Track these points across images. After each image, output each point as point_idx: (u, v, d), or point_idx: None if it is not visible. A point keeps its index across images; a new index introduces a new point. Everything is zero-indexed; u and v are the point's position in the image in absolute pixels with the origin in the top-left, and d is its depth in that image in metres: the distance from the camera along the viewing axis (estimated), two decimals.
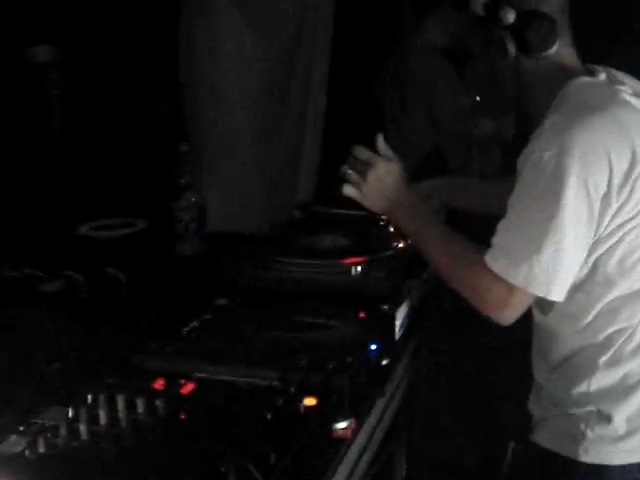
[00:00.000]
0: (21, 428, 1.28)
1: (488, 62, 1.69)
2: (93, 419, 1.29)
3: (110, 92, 3.14)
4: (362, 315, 1.74)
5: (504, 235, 1.53)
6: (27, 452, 1.21)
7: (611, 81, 1.61)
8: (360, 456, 1.52)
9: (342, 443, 1.38)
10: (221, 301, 1.85)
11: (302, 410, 1.33)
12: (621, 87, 1.59)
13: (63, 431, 1.26)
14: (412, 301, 1.96)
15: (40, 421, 1.30)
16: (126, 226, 2.64)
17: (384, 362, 1.65)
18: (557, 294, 1.50)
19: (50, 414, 1.33)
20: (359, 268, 1.89)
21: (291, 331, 1.64)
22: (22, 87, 2.77)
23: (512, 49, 1.62)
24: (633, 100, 1.57)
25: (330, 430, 1.36)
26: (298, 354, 1.51)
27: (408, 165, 1.55)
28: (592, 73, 1.63)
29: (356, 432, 1.44)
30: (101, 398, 1.34)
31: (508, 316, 1.54)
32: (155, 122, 3.23)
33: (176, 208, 2.44)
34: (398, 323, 1.81)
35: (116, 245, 2.54)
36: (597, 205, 1.47)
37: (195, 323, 1.71)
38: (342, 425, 1.37)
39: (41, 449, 1.22)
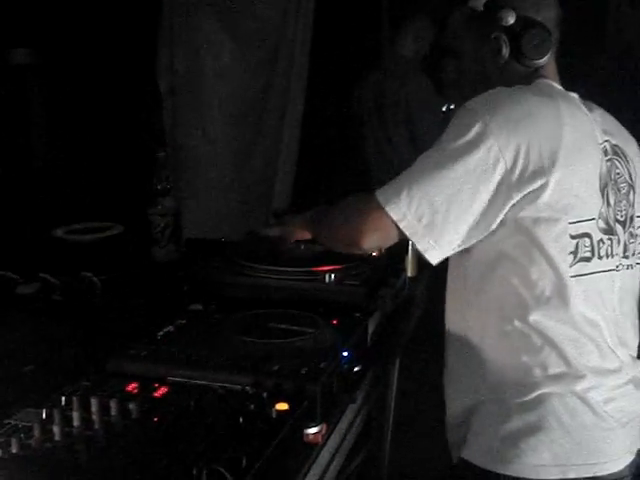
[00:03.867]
0: None
1: (477, 61, 1.70)
2: (66, 421, 1.30)
3: (89, 98, 3.15)
4: (335, 322, 1.76)
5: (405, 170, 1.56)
6: (0, 452, 1.22)
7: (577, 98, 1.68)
8: (330, 461, 1.54)
9: (313, 448, 1.39)
10: (196, 306, 1.86)
11: (274, 415, 1.34)
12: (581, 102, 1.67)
13: (36, 432, 1.26)
14: (385, 309, 1.98)
15: (13, 422, 1.31)
16: (102, 230, 2.64)
17: (356, 369, 1.67)
18: (425, 243, 1.51)
19: (23, 415, 1.33)
20: (333, 276, 1.91)
21: (264, 337, 1.65)
22: (1, 89, 2.77)
23: (506, 51, 1.64)
24: (585, 110, 1.64)
25: (301, 435, 1.38)
26: (271, 360, 1.53)
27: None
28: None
29: (327, 437, 1.46)
30: (75, 400, 1.34)
31: (370, 243, 1.59)
32: (133, 128, 3.23)
33: (152, 213, 2.46)
34: (370, 331, 1.83)
35: (91, 249, 2.54)
36: (496, 181, 1.48)
37: (170, 328, 1.72)
38: (313, 430, 1.39)
39: (14, 449, 1.22)
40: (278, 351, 1.58)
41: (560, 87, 1.68)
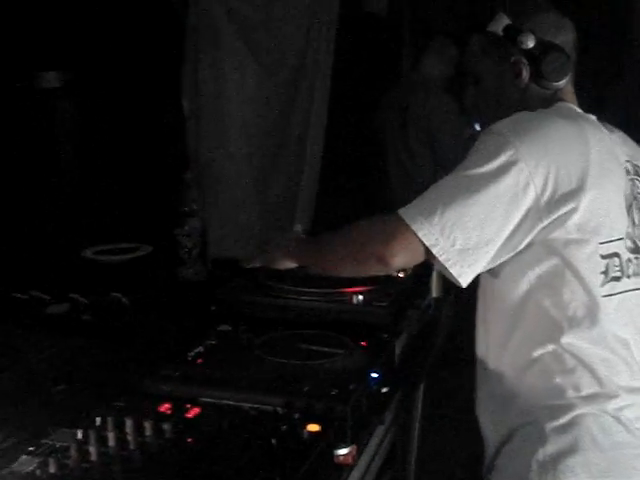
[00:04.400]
0: (31, 448, 1.31)
1: (497, 85, 1.72)
2: (102, 441, 1.32)
3: (117, 120, 3.19)
4: (363, 344, 1.77)
5: (428, 190, 1.55)
6: (38, 472, 1.25)
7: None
8: None
9: (343, 469, 1.40)
10: (224, 327, 1.88)
11: (305, 436, 1.36)
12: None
13: (73, 452, 1.29)
14: (412, 330, 1.99)
15: (50, 442, 1.34)
16: (130, 251, 2.67)
17: (384, 390, 1.69)
18: (458, 268, 1.50)
19: (60, 435, 1.36)
20: (361, 297, 1.92)
21: (295, 358, 1.67)
22: (30, 113, 2.82)
23: (526, 74, 1.67)
24: (606, 131, 1.66)
25: (332, 456, 1.39)
26: (302, 381, 1.55)
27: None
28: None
29: (357, 458, 1.47)
30: (109, 421, 1.37)
31: (399, 263, 1.56)
32: (159, 149, 3.27)
33: (179, 234, 2.48)
34: (398, 352, 1.84)
35: (120, 269, 2.57)
36: (526, 206, 1.49)
37: (200, 348, 1.74)
38: (344, 451, 1.40)
39: (52, 469, 1.25)
40: (308, 372, 1.60)
41: (579, 109, 1.69)
